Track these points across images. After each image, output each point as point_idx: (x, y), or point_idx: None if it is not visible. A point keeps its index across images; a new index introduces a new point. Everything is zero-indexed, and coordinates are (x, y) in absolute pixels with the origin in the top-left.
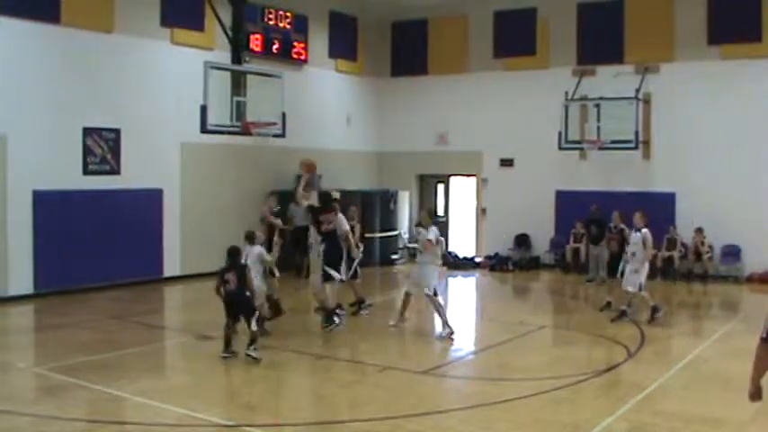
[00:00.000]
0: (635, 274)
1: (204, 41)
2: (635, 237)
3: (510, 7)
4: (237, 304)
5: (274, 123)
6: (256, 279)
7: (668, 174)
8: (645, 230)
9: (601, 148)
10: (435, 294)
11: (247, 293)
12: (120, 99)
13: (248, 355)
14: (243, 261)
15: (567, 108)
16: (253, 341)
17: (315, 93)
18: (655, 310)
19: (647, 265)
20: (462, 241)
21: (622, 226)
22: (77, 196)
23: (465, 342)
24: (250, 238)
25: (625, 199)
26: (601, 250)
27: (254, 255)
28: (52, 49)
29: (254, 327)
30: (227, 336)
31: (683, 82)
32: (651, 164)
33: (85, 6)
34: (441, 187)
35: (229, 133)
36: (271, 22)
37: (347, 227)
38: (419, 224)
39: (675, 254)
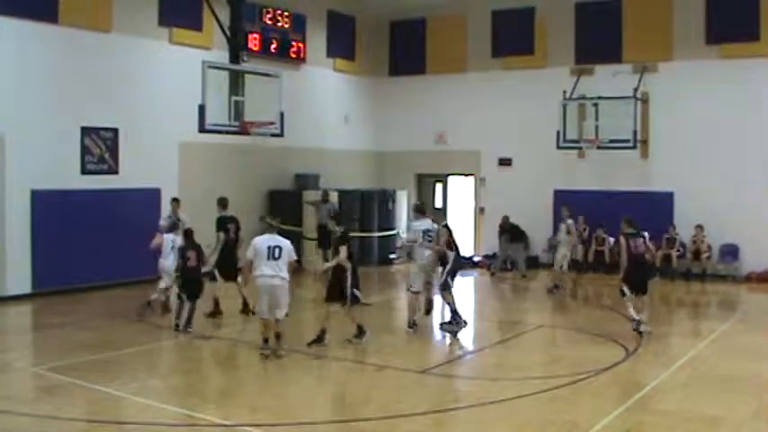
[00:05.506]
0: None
1: (202, 41)
2: None
3: (508, 7)
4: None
5: (272, 123)
6: None
7: (666, 173)
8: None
9: (599, 148)
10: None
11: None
12: (119, 99)
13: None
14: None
15: (565, 107)
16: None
17: (313, 92)
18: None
19: None
20: (460, 241)
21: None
22: (76, 196)
23: (464, 341)
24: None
25: (623, 198)
26: (515, 249)
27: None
28: (50, 48)
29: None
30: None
31: (681, 81)
32: (649, 163)
33: (84, 6)
34: (439, 187)
35: (227, 133)
36: (269, 22)
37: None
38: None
39: (674, 253)
